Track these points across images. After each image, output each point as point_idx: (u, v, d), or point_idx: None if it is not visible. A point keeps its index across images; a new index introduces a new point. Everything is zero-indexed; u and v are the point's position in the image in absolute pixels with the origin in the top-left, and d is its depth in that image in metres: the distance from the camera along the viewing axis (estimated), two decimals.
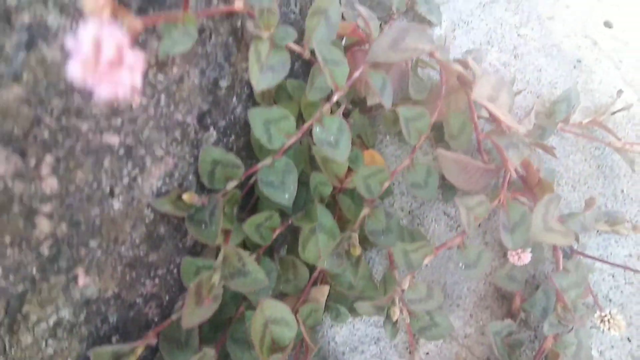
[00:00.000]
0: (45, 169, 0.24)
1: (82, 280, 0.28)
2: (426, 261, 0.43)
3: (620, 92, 0.56)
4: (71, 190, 0.26)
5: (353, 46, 0.49)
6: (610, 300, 0.52)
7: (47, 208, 0.25)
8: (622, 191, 0.55)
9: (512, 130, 0.36)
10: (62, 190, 0.25)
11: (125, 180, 0.29)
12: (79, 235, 0.27)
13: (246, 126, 0.42)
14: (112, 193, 0.28)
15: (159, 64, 0.27)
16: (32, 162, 0.24)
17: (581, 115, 0.59)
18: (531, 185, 0.44)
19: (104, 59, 0.14)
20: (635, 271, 0.46)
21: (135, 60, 0.15)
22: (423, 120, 0.42)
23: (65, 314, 0.28)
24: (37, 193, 0.24)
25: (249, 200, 0.48)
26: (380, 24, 0.63)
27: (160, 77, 0.28)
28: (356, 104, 0.56)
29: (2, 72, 0.21)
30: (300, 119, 0.48)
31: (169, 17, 0.22)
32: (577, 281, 0.42)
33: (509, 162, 0.37)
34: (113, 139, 0.27)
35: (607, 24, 0.64)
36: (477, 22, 0.64)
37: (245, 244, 0.46)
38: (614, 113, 0.56)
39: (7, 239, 0.24)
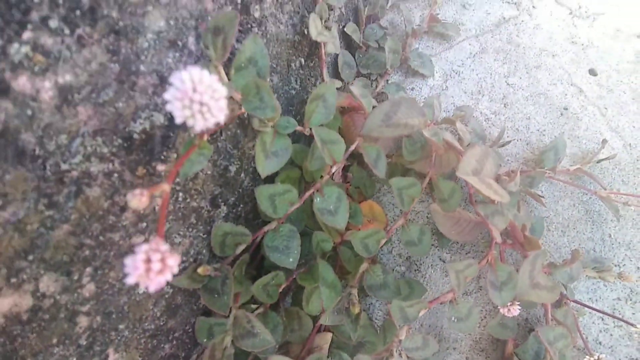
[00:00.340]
0: (85, 279, 0.28)
1: (111, 357, 0.32)
2: (421, 314, 0.46)
3: (604, 141, 0.59)
4: (105, 289, 0.30)
5: (351, 110, 0.53)
6: (600, 343, 0.54)
7: (85, 308, 0.29)
8: (610, 236, 0.58)
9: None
10: (98, 291, 0.29)
11: None
12: (110, 322, 0.31)
13: (253, 193, 0.46)
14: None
15: None
16: (76, 276, 0.28)
17: (569, 162, 0.62)
18: (519, 241, 0.47)
19: (153, 272, 0.19)
20: (621, 319, 0.49)
21: (174, 261, 0.20)
22: (415, 188, 0.45)
23: None
24: (79, 298, 0.28)
25: (257, 255, 0.51)
26: (377, 77, 0.67)
27: (178, 179, 0.33)
28: (354, 157, 0.60)
29: (55, 218, 0.25)
30: (302, 180, 0.52)
31: (188, 153, 0.26)
32: (564, 332, 0.45)
33: (493, 230, 0.40)
34: (139, 240, 0.31)
35: (592, 72, 0.67)
36: (468, 72, 0.68)
37: (254, 297, 0.50)
38: (599, 161, 0.59)
39: (54, 340, 0.28)
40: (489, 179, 0.42)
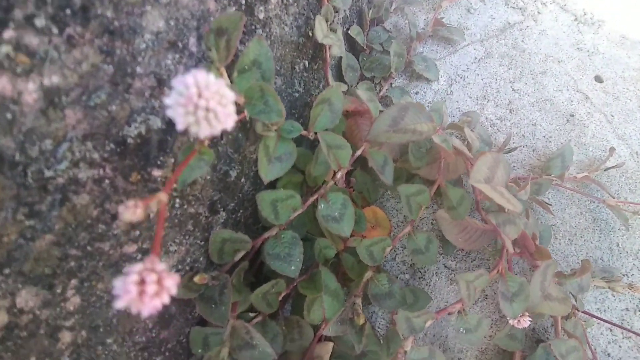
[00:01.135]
0: (70, 292, 0.26)
1: None
2: (428, 324, 0.45)
3: (612, 149, 0.58)
4: (92, 301, 0.28)
5: (355, 114, 0.51)
6: (608, 355, 0.53)
7: (69, 322, 0.27)
8: (618, 245, 0.57)
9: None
10: (84, 304, 0.27)
11: None
12: (97, 337, 0.29)
13: (254, 198, 0.44)
14: None
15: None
16: (59, 290, 0.26)
17: (575, 169, 0.61)
18: (529, 251, 0.45)
19: (147, 295, 0.17)
20: (630, 331, 0.48)
21: (172, 282, 0.18)
22: (423, 195, 0.44)
23: None
24: (62, 313, 0.26)
25: (256, 261, 0.49)
26: (380, 81, 0.66)
27: (175, 185, 0.31)
28: (358, 161, 0.58)
29: (36, 228, 0.23)
30: (304, 185, 0.50)
31: (188, 158, 0.24)
32: (576, 346, 0.43)
33: (505, 240, 0.38)
34: (131, 249, 0.29)
35: (598, 79, 0.66)
36: (473, 77, 0.67)
37: (252, 305, 0.48)
38: (607, 169, 0.58)
39: (33, 359, 0.26)
40: (501, 187, 0.40)
